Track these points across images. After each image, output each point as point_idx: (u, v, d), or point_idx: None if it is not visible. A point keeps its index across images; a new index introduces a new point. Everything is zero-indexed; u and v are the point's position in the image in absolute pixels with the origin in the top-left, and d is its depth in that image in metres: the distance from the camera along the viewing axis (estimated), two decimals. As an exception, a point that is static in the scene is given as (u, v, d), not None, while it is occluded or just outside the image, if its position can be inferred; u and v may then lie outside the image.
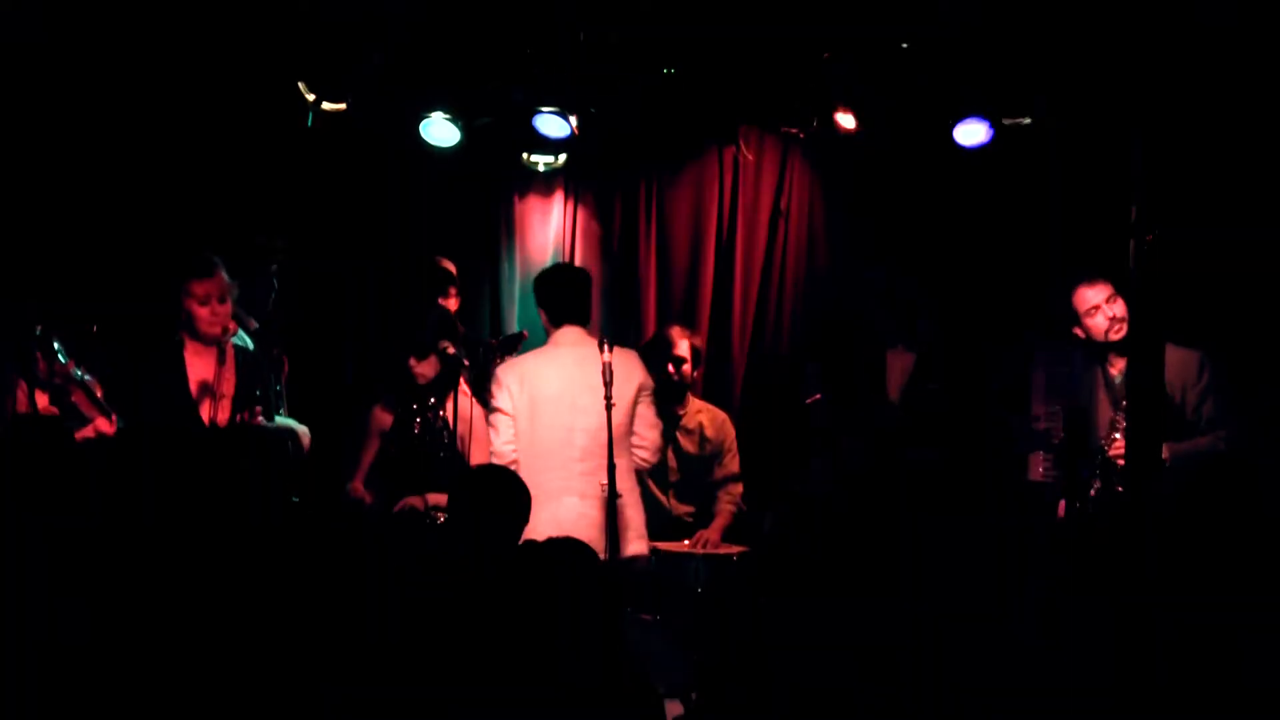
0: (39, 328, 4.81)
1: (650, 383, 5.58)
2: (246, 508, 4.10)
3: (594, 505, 5.29)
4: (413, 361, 5.48)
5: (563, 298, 5.53)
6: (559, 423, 5.36)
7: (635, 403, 5.47)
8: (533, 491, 4.67)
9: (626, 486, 5.38)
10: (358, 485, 5.54)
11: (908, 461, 6.00)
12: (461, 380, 5.48)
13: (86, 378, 4.86)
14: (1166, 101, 5.07)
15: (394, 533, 5.18)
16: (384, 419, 5.58)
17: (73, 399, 4.86)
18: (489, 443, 5.42)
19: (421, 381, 5.50)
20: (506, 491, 4.45)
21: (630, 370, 5.44)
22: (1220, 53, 5.54)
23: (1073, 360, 5.54)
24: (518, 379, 5.39)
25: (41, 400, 4.88)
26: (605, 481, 5.17)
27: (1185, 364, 5.31)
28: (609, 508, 5.16)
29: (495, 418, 5.39)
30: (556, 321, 5.48)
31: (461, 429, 5.45)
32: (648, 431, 5.55)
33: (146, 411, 4.97)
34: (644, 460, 5.57)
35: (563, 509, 5.23)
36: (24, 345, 4.78)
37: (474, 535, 4.26)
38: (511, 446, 5.35)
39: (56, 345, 4.82)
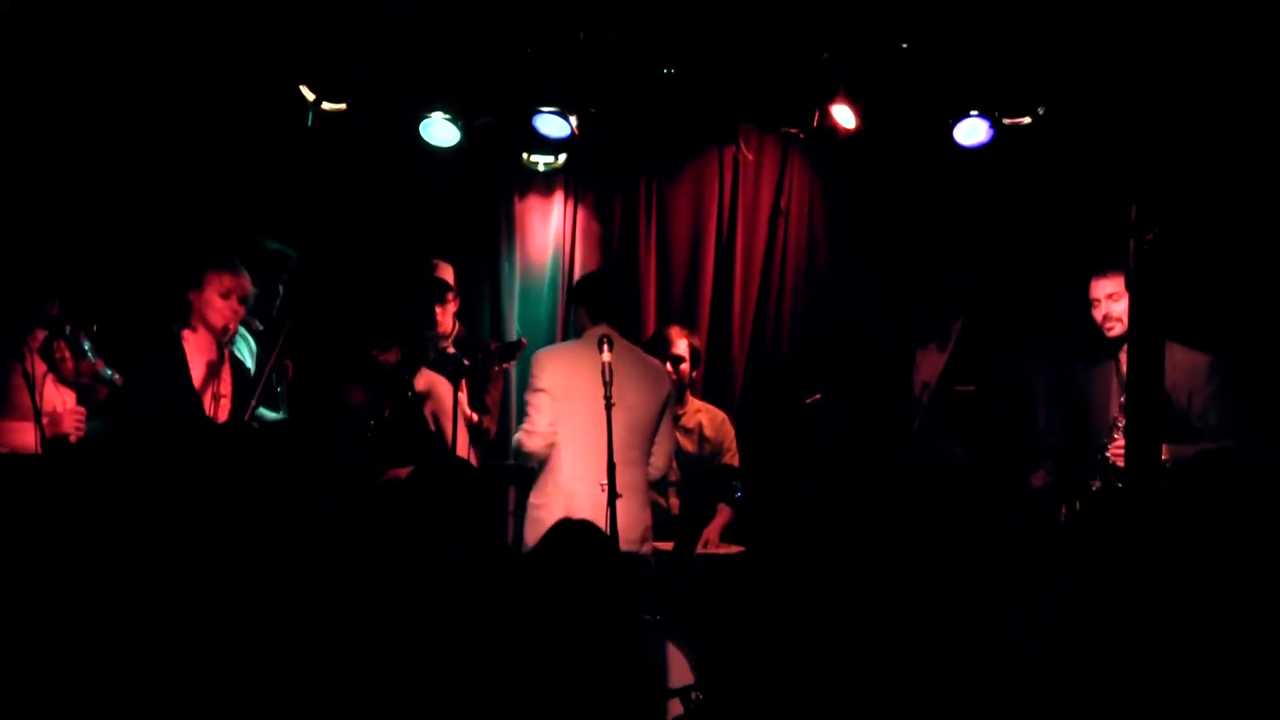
0: (67, 326, 4.83)
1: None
2: (246, 506, 4.10)
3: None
4: (376, 352, 5.56)
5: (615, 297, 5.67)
6: (591, 419, 5.40)
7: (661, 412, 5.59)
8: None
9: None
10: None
11: (931, 458, 5.98)
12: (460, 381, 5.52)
13: (114, 375, 4.88)
14: (1166, 101, 5.07)
15: (392, 528, 5.20)
16: (355, 399, 5.63)
17: (99, 397, 4.88)
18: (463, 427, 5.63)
19: (387, 367, 5.56)
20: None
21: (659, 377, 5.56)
22: (1220, 52, 5.54)
23: (1077, 365, 5.53)
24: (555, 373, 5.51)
25: (70, 399, 4.90)
26: (604, 481, 5.19)
27: (1193, 368, 5.25)
28: (609, 507, 5.17)
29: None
30: (595, 319, 5.56)
31: (444, 421, 5.57)
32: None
33: (150, 408, 4.97)
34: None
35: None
36: (53, 343, 4.81)
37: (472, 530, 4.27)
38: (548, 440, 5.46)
39: (86, 345, 4.84)
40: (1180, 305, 5.04)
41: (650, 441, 5.53)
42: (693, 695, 4.92)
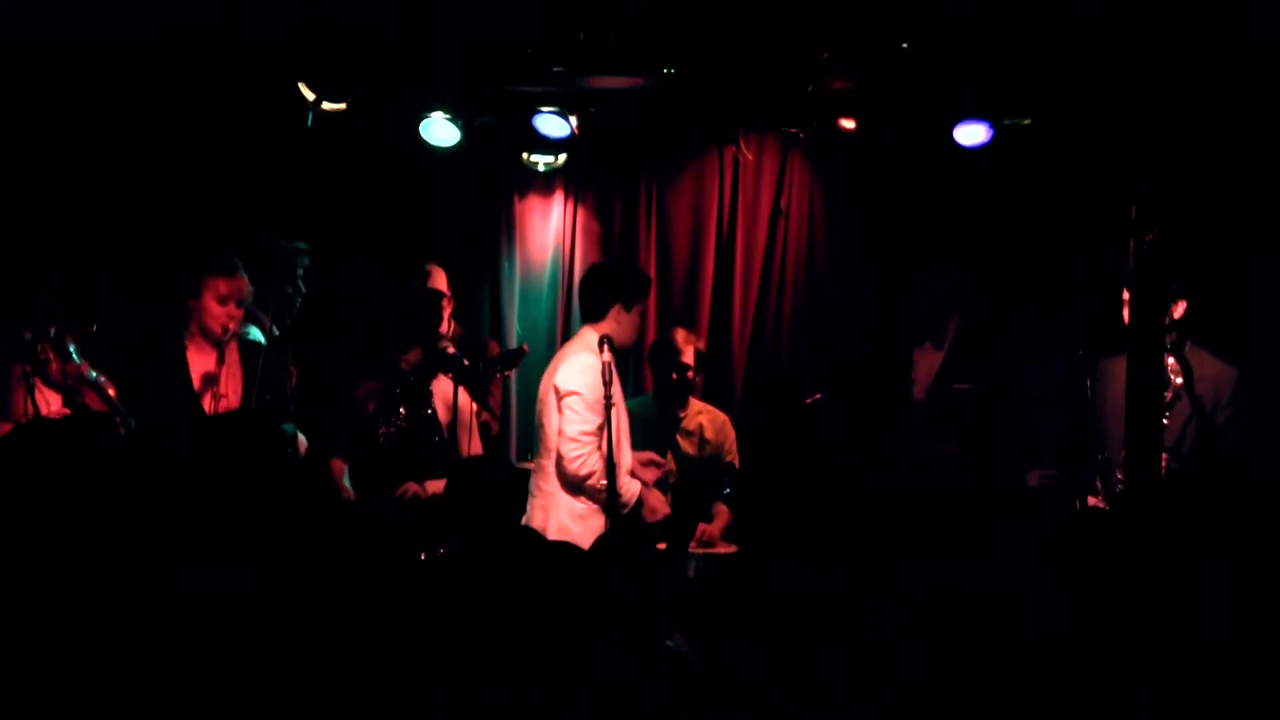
0: (53, 329, 4.82)
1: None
2: (250, 501, 4.10)
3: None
4: (396, 354, 5.54)
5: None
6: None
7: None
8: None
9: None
10: (338, 463, 5.61)
11: (923, 458, 5.98)
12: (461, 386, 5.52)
13: (100, 378, 4.87)
14: (1166, 101, 5.06)
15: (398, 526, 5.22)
16: (369, 399, 5.62)
17: (85, 400, 4.87)
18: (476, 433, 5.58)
19: (405, 368, 5.55)
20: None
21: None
22: (1222, 53, 5.54)
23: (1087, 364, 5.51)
24: None
25: (55, 401, 4.89)
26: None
27: (1220, 381, 5.21)
28: (608, 507, 5.17)
29: None
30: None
31: (446, 418, 5.56)
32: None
33: (149, 408, 4.97)
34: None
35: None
36: (38, 345, 4.80)
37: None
38: None
39: (71, 346, 4.83)
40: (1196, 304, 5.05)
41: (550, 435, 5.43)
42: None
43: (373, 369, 5.70)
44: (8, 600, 3.39)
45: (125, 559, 3.58)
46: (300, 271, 6.05)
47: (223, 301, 5.14)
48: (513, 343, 6.83)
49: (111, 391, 4.90)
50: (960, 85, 6.13)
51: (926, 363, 6.25)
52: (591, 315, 5.46)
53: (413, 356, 5.56)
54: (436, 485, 5.39)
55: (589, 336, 5.41)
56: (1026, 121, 6.19)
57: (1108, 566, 4.83)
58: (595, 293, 5.48)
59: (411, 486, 5.47)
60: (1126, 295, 5.30)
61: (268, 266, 5.73)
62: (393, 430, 5.57)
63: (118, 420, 4.87)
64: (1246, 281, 5.90)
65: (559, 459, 5.30)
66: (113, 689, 3.34)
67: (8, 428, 4.79)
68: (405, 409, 5.57)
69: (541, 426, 5.39)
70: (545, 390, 5.39)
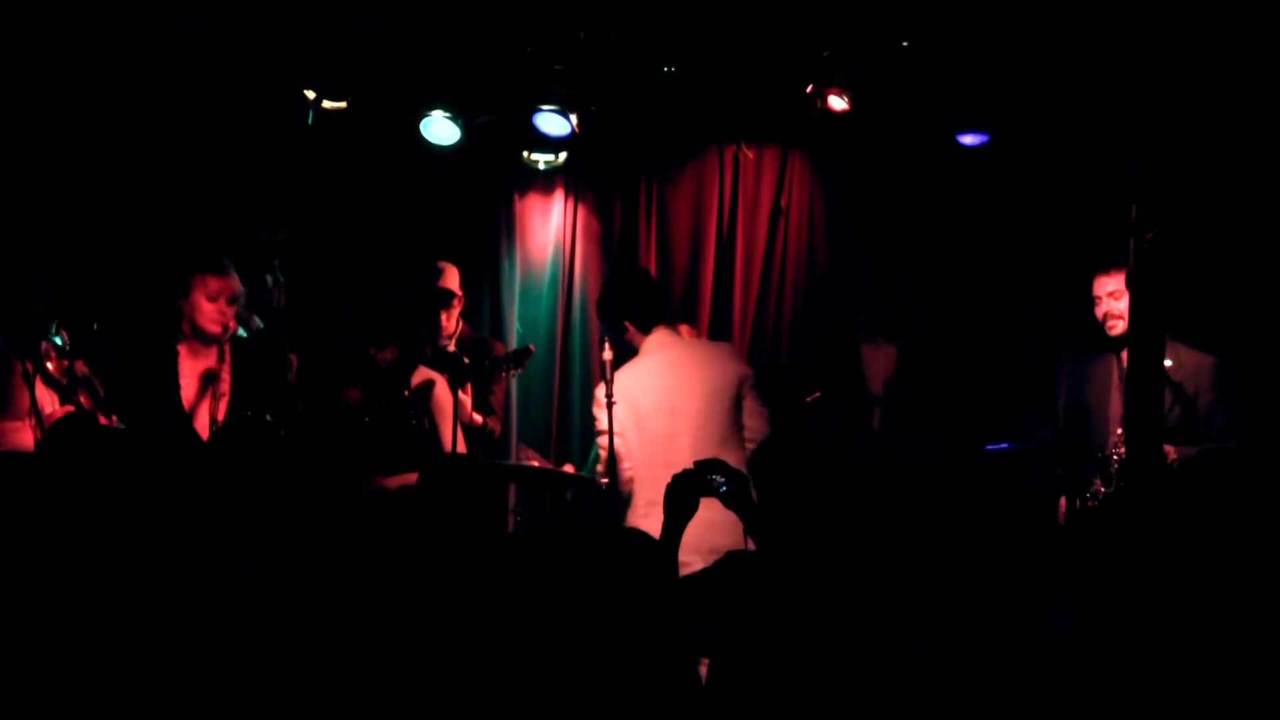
0: (53, 325, 4.83)
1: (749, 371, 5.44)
2: (249, 501, 4.10)
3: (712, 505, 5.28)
4: (373, 350, 5.56)
5: (646, 301, 5.47)
6: (661, 431, 5.27)
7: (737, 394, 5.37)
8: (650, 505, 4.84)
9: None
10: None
11: (901, 456, 5.98)
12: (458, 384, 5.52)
13: (92, 377, 4.88)
14: (1166, 101, 5.07)
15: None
16: (352, 399, 5.64)
17: (78, 397, 4.88)
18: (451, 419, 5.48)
19: (383, 364, 5.57)
20: None
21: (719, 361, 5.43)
22: (1222, 53, 5.54)
23: (1074, 362, 5.53)
24: (621, 399, 5.27)
25: (53, 399, 4.89)
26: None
27: (1199, 370, 5.25)
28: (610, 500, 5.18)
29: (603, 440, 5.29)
30: (646, 328, 5.39)
31: (443, 415, 5.56)
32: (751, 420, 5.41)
33: (139, 411, 4.97)
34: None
35: None
36: (41, 343, 4.81)
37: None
38: (627, 464, 5.29)
39: (67, 344, 4.84)
40: (1182, 302, 5.07)
41: (731, 428, 5.34)
42: None
43: (357, 369, 5.73)
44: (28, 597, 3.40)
45: (130, 559, 3.58)
46: (276, 262, 6.04)
47: (213, 299, 5.14)
48: (513, 342, 6.83)
49: (100, 391, 4.91)
50: (960, 85, 6.14)
51: (882, 356, 6.25)
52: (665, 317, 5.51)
53: (388, 354, 5.58)
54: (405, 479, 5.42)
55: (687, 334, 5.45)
56: (1026, 122, 6.19)
57: (1108, 566, 4.84)
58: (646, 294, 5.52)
59: (380, 480, 5.46)
60: (1095, 293, 5.34)
61: (258, 260, 5.73)
62: (376, 418, 5.59)
63: (106, 420, 4.88)
64: (1246, 281, 5.90)
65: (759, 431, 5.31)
66: (115, 689, 3.34)
67: (13, 425, 4.80)
68: (387, 405, 5.59)
69: (704, 426, 5.27)
70: (722, 385, 5.29)
